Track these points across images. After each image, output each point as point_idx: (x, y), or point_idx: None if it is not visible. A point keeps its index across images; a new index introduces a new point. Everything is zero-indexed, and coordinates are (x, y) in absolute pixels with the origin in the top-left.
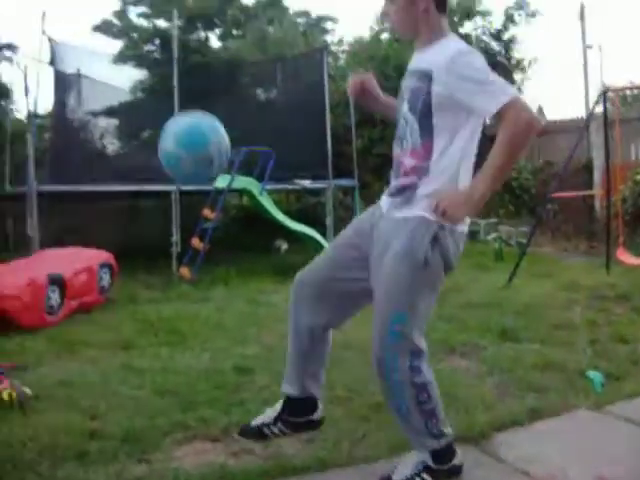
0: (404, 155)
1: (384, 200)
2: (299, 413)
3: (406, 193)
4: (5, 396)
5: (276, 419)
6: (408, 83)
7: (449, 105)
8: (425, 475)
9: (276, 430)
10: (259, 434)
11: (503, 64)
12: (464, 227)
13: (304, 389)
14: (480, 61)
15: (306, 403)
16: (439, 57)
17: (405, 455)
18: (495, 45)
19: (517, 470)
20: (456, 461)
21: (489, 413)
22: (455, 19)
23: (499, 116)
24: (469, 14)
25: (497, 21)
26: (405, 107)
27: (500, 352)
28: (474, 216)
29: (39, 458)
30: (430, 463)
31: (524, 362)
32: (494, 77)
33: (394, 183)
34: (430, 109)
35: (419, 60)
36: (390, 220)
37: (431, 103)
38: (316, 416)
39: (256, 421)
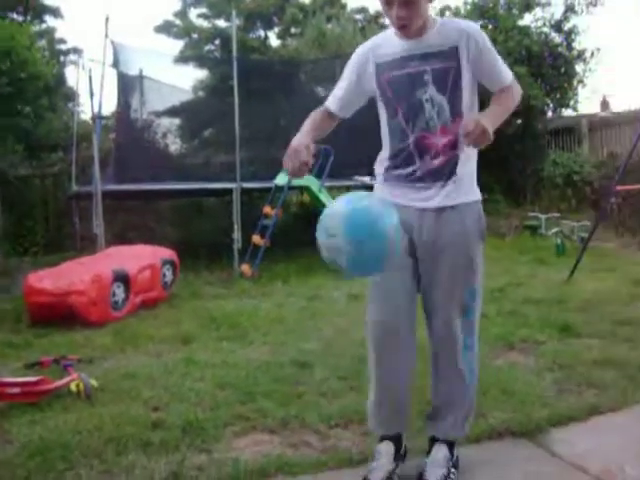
0: (433, 136)
1: (413, 194)
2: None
3: (446, 171)
4: (73, 387)
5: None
6: (426, 67)
7: (472, 77)
8: (454, 468)
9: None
10: None
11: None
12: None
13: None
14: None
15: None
16: (453, 35)
17: (432, 453)
18: (556, 36)
19: (572, 465)
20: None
21: (546, 409)
22: (514, 11)
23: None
24: (529, 5)
25: (557, 12)
26: (431, 89)
27: (560, 348)
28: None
29: (105, 446)
30: (455, 452)
31: (584, 358)
32: None
33: (421, 165)
34: (460, 84)
35: (424, 45)
36: (447, 210)
37: (461, 78)
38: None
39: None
